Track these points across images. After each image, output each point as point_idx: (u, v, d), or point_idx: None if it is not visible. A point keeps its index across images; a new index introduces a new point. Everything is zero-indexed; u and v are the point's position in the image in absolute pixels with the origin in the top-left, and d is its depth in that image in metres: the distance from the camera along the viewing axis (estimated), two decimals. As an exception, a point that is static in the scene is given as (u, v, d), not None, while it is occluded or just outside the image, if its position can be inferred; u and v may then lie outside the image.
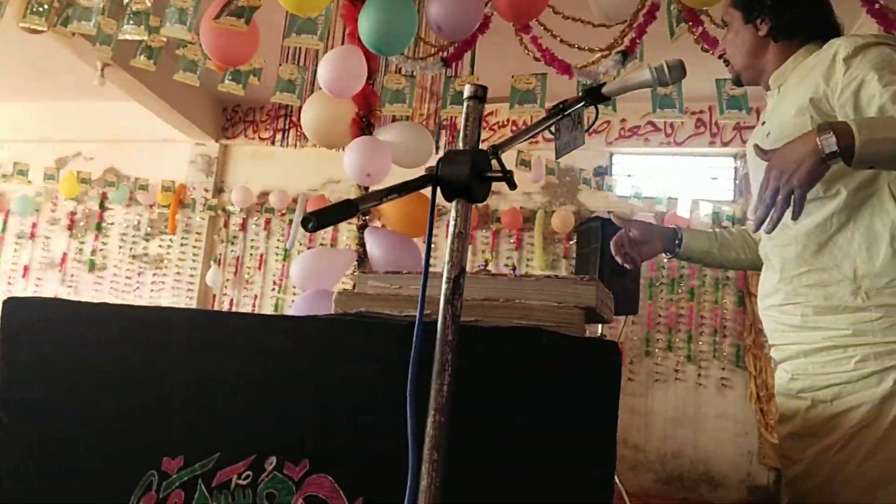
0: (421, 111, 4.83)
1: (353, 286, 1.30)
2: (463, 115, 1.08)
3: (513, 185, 1.08)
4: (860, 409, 1.35)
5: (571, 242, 6.67)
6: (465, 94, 1.08)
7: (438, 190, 1.03)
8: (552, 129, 1.60)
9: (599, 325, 5.40)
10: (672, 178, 7.02)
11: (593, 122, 1.74)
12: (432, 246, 1.07)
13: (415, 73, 3.15)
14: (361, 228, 2.91)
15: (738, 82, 1.73)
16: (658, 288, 6.75)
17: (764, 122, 1.62)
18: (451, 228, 1.06)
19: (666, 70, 1.54)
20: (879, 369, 1.34)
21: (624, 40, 2.76)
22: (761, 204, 1.30)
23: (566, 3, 2.77)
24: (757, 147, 1.39)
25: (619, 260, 1.77)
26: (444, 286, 1.01)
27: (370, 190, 3.02)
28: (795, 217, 1.27)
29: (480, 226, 7.09)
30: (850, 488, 1.35)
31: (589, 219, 5.92)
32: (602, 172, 6.70)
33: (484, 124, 7.03)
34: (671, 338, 6.63)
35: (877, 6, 2.72)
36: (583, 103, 1.56)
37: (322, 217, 0.87)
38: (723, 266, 1.89)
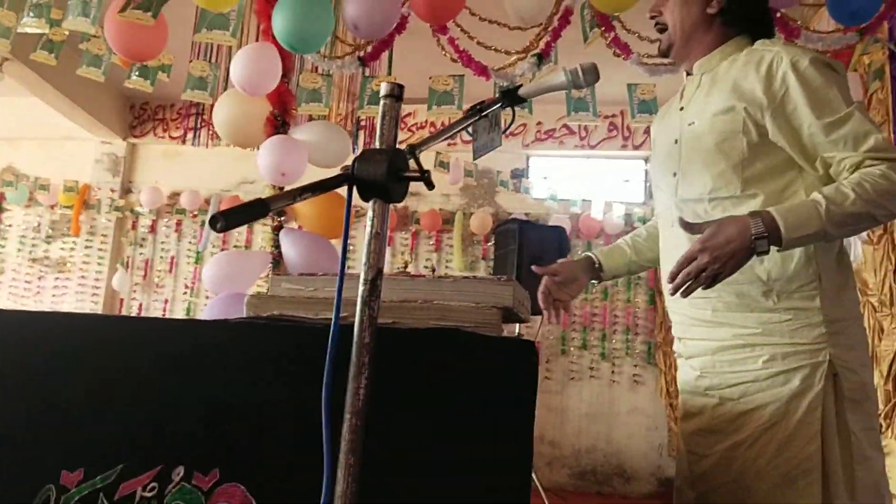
0: (338, 111, 4.78)
1: (267, 289, 1.27)
2: (380, 114, 1.06)
3: (430, 185, 1.07)
4: (768, 407, 1.40)
5: (490, 244, 6.73)
6: (382, 93, 1.07)
7: (355, 190, 1.01)
8: (470, 129, 1.60)
9: (517, 325, 5.47)
10: (586, 181, 7.19)
11: (510, 124, 1.75)
12: (350, 247, 1.04)
13: (331, 73, 3.11)
14: (277, 230, 2.85)
15: (666, 54, 1.68)
16: (573, 288, 6.88)
17: (683, 108, 1.61)
18: (367, 229, 1.04)
19: (580, 73, 1.56)
20: (786, 369, 1.39)
21: (539, 43, 2.80)
22: (681, 272, 1.33)
23: (483, 5, 2.79)
24: (682, 220, 1.40)
25: (547, 314, 1.76)
26: (361, 288, 0.99)
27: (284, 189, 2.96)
28: (705, 289, 1.33)
29: (399, 227, 7.07)
30: (761, 483, 1.40)
31: (507, 221, 5.99)
32: (519, 175, 6.79)
33: (402, 125, 7.03)
34: (586, 336, 6.78)
35: (778, 15, 2.86)
36: (500, 105, 1.56)
37: (231, 217, 0.83)
38: (647, 268, 1.93)
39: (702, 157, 1.51)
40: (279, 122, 2.79)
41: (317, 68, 3.56)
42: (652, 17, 1.69)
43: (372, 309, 0.98)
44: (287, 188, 2.95)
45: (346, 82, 4.53)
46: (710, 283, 1.33)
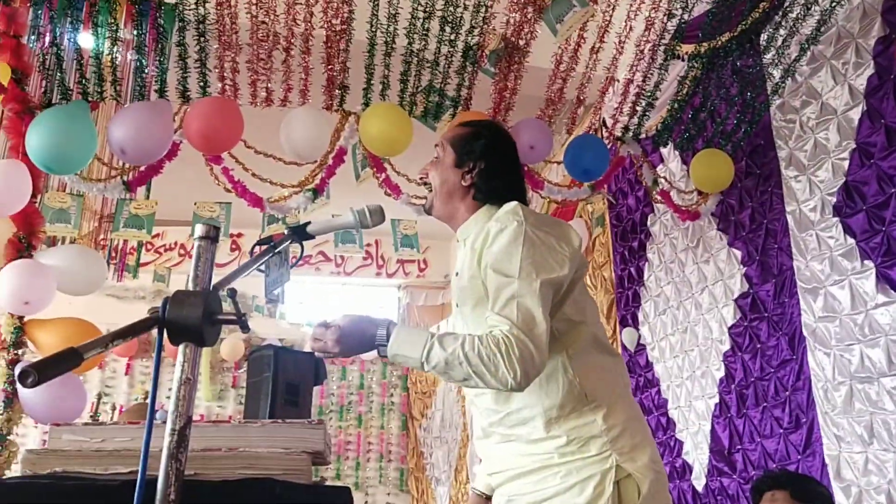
0: (82, 231, 4.43)
1: (44, 442, 1.13)
2: (194, 255, 1.04)
3: (246, 328, 1.06)
4: None
5: (241, 371, 6.47)
6: (197, 234, 1.05)
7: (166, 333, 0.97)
8: (262, 266, 1.59)
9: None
10: (341, 306, 7.28)
11: (299, 259, 1.78)
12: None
13: (88, 195, 2.90)
14: (12, 364, 2.51)
15: (429, 212, 1.82)
16: (327, 416, 6.80)
17: (458, 273, 1.72)
18: (177, 374, 0.99)
19: (368, 214, 1.66)
20: (579, 480, 1.52)
21: (314, 179, 2.88)
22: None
23: (258, 138, 2.82)
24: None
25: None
26: (167, 439, 0.94)
27: (26, 319, 2.65)
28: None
29: (140, 354, 6.58)
30: None
31: (261, 346, 5.82)
32: (274, 299, 6.71)
33: (150, 246, 6.65)
34: (339, 466, 6.66)
35: (526, 169, 3.24)
36: (290, 241, 1.60)
37: (44, 369, 0.75)
38: None
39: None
40: (24, 245, 2.52)
41: (65, 186, 3.31)
42: (421, 178, 1.86)
43: (179, 462, 0.93)
44: (28, 318, 2.65)
45: (95, 201, 4.24)
46: None
